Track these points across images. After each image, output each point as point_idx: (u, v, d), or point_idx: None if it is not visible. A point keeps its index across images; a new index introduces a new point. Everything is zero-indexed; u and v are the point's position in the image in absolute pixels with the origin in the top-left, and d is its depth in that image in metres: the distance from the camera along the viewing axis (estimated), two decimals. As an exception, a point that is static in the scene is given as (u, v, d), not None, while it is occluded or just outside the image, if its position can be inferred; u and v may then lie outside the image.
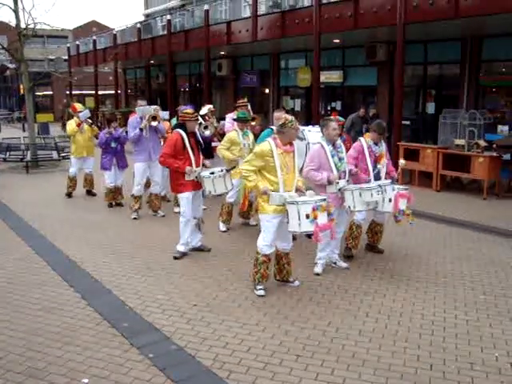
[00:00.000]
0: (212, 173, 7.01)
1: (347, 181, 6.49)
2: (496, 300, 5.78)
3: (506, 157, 11.36)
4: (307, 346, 4.69)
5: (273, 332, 4.97)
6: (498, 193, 11.15)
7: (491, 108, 13.98)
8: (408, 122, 15.95)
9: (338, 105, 19.24)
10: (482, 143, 11.35)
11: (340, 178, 6.37)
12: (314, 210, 5.46)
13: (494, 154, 11.10)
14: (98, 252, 7.45)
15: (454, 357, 4.53)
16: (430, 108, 16.05)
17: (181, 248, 7.18)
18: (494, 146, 11.38)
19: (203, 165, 7.16)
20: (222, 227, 8.49)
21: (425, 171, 12.24)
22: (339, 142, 6.60)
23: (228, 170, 7.10)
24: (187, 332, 4.96)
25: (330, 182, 6.29)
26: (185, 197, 7.05)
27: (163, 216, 9.44)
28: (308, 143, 7.45)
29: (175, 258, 7.09)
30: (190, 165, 6.95)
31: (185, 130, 7.02)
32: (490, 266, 6.92)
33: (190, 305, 5.59)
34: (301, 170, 6.55)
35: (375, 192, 6.41)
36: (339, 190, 6.37)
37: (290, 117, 5.85)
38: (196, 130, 7.41)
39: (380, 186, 6.53)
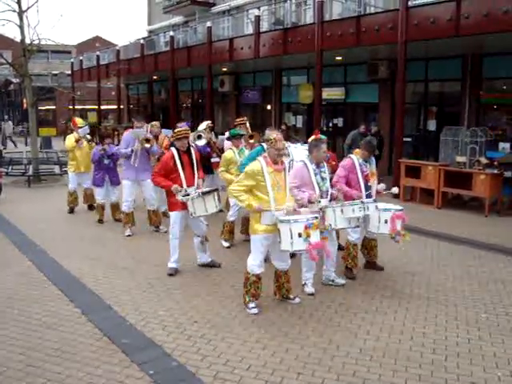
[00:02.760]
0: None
1: (329, 200, 6.41)
2: (498, 318, 5.75)
3: (508, 174, 11.37)
4: (308, 364, 4.67)
5: (273, 349, 4.95)
6: (500, 210, 11.14)
7: (492, 125, 14.05)
8: (409, 139, 16.02)
9: (339, 121, 19.35)
10: (484, 160, 11.37)
11: (322, 197, 6.31)
12: (306, 228, 5.43)
13: (496, 171, 11.11)
14: (99, 267, 7.44)
15: (455, 376, 4.50)
16: (432, 125, 16.13)
17: (172, 265, 7.18)
18: (496, 163, 11.40)
19: (197, 184, 7.06)
20: (225, 244, 8.50)
21: (426, 188, 12.25)
22: (323, 162, 6.54)
23: (204, 193, 6.81)
24: (188, 349, 4.94)
25: (310, 202, 6.21)
26: (173, 215, 7.09)
27: (166, 232, 9.41)
28: (292, 160, 7.39)
29: (169, 274, 7.08)
30: (180, 184, 6.93)
31: (178, 149, 7.06)
32: (491, 283, 6.90)
33: (190, 321, 5.57)
34: None
35: (357, 208, 6.36)
36: (320, 209, 6.29)
37: (273, 136, 5.78)
38: (191, 144, 7.33)
39: (363, 202, 6.51)
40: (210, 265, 7.43)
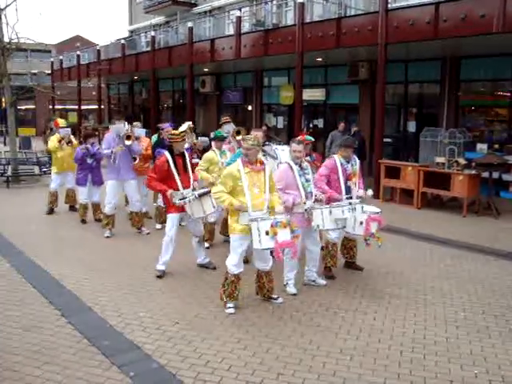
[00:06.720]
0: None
1: (314, 202, 6.44)
2: (475, 317, 5.84)
3: (485, 175, 11.54)
4: (288, 365, 4.69)
5: (254, 350, 4.96)
6: (478, 210, 11.29)
7: (470, 126, 14.24)
8: (389, 140, 16.16)
9: (320, 122, 19.44)
10: (462, 161, 11.52)
11: (307, 199, 6.36)
12: (272, 226, 5.48)
13: (474, 172, 11.27)
14: (79, 269, 7.38)
15: (434, 374, 4.57)
16: (411, 126, 16.29)
17: (161, 267, 7.15)
18: (474, 164, 11.56)
19: (193, 187, 7.08)
20: (205, 244, 8.48)
21: (406, 189, 12.37)
22: (306, 164, 6.59)
23: (200, 195, 6.85)
24: (168, 350, 4.93)
25: (294, 204, 6.27)
26: (170, 218, 7.10)
27: (148, 233, 9.40)
28: (280, 163, 7.46)
29: (158, 276, 7.03)
30: (176, 187, 6.92)
31: (172, 152, 7.03)
32: (469, 283, 7.00)
33: (171, 323, 5.56)
34: None
35: (346, 209, 6.46)
36: (306, 210, 6.34)
37: (251, 135, 5.94)
38: (184, 150, 7.26)
39: (351, 203, 6.58)
40: (205, 266, 7.45)
